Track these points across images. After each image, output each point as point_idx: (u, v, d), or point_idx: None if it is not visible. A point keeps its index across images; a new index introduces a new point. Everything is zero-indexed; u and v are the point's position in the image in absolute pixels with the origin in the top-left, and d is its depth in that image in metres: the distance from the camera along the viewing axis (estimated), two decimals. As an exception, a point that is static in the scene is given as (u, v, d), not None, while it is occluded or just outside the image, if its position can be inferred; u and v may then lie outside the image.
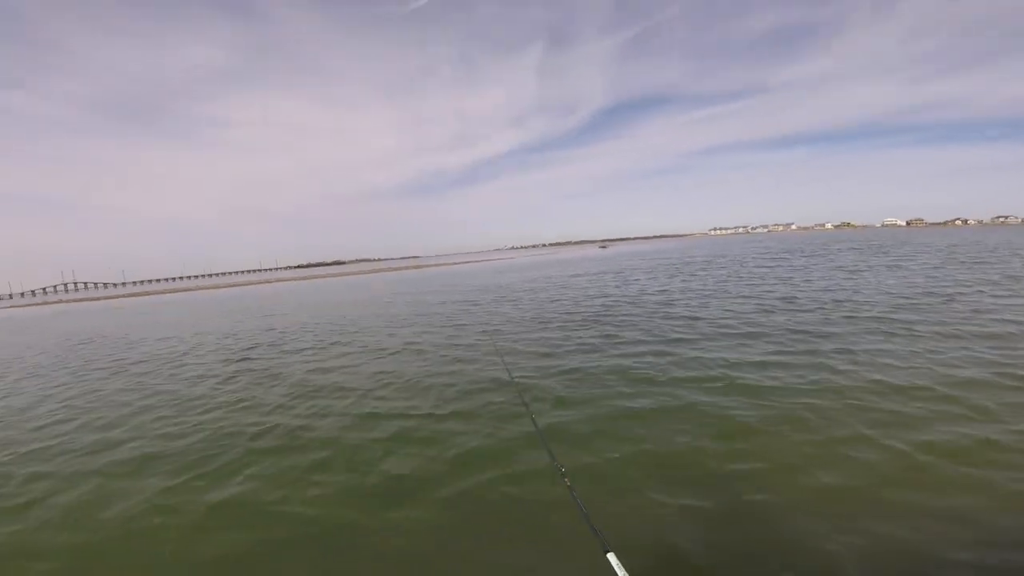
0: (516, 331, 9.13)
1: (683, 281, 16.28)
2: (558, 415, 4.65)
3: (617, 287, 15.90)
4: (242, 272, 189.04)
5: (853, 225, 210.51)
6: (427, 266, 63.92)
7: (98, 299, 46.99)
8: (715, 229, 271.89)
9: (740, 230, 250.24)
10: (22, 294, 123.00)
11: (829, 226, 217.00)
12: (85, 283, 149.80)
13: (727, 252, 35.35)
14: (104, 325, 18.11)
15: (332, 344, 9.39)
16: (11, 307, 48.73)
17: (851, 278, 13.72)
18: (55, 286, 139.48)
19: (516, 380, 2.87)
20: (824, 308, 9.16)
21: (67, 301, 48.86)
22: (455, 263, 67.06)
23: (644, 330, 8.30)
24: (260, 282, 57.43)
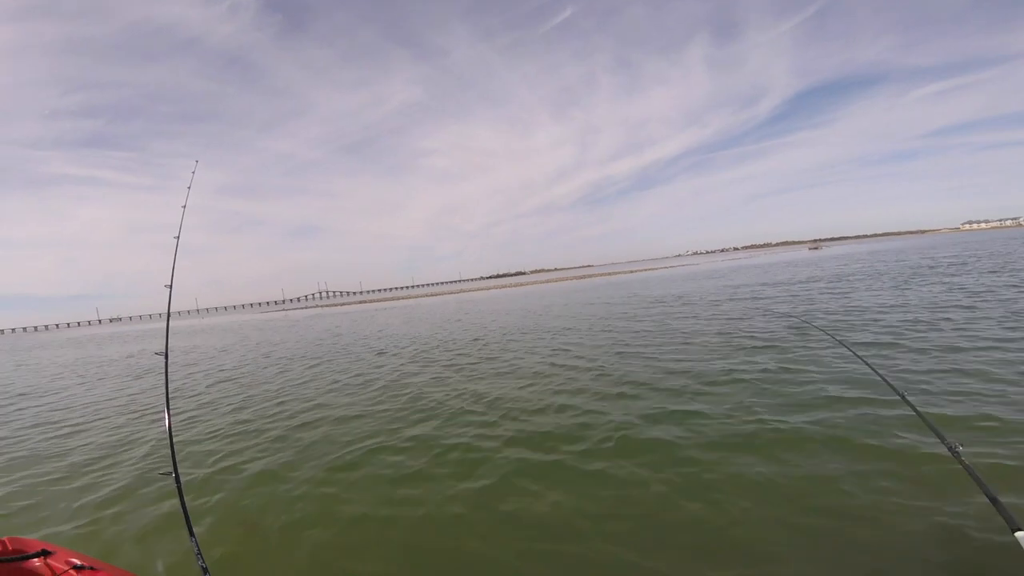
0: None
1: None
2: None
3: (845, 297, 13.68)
4: (443, 283, 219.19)
5: None
6: (599, 275, 64.01)
7: (344, 304, 60.20)
8: (969, 223, 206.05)
9: (1008, 222, 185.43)
10: (290, 300, 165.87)
11: None
12: (333, 292, 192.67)
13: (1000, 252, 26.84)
14: (355, 324, 23.29)
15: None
16: (285, 310, 65.84)
17: None
18: (313, 294, 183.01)
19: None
20: None
21: (321, 306, 63.94)
22: (631, 271, 65.58)
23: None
24: (471, 290, 65.46)
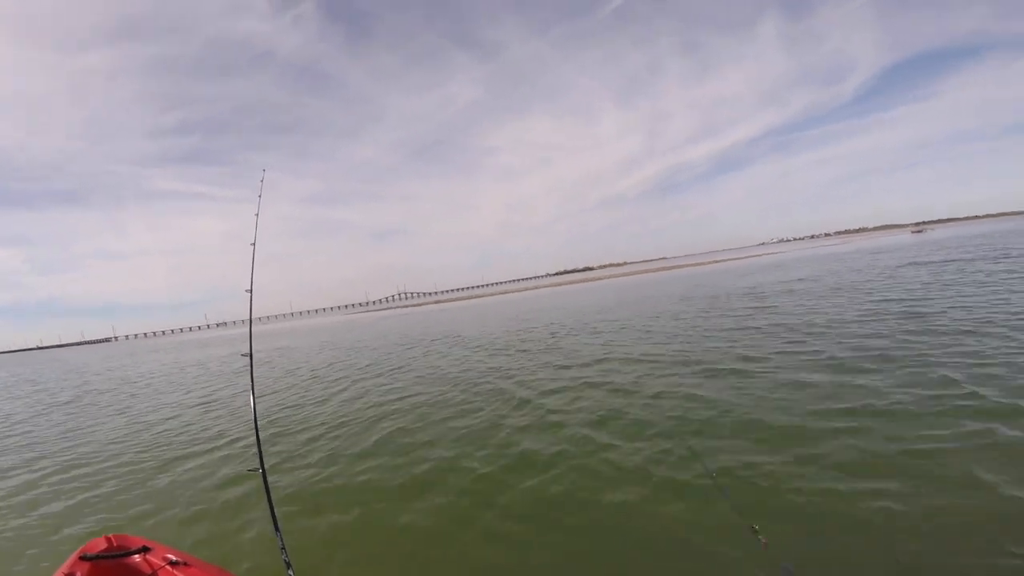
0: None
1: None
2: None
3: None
4: (512, 281, 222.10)
5: None
6: (676, 267, 61.18)
7: (419, 304, 62.78)
8: None
9: None
10: (373, 302, 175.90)
11: None
12: (411, 293, 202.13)
13: None
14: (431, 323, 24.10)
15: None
16: (365, 312, 69.81)
17: None
18: (392, 296, 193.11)
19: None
20: None
21: (397, 307, 67.18)
22: (711, 262, 62.01)
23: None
24: (533, 288, 65.79)
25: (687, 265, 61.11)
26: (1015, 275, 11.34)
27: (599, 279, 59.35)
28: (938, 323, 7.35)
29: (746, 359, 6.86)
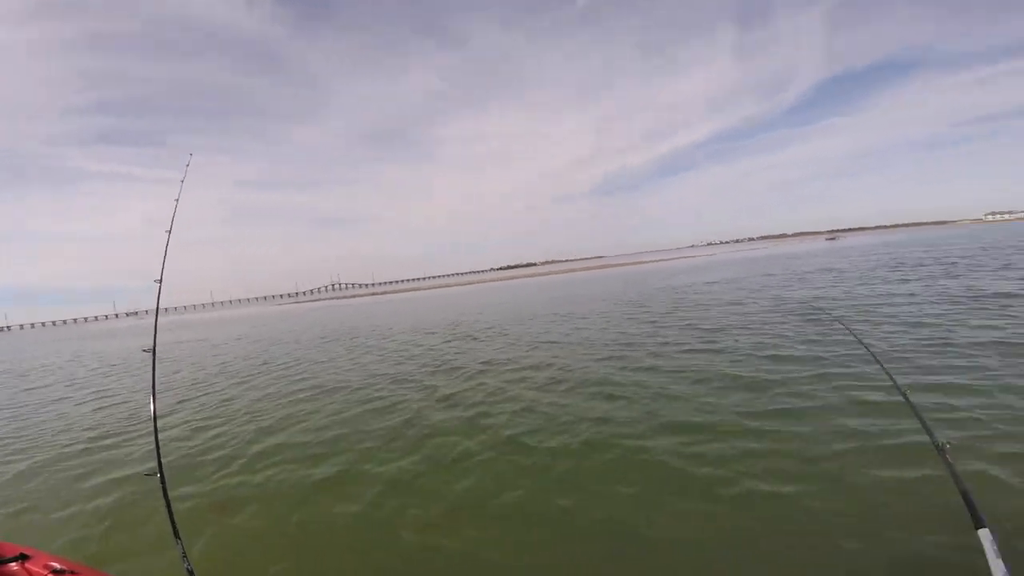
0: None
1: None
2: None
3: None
4: (456, 274, 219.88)
5: None
6: (608, 267, 63.53)
7: (355, 296, 60.78)
8: (992, 214, 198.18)
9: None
10: (304, 292, 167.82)
11: None
12: (346, 284, 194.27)
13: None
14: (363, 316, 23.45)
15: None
16: (295, 303, 66.76)
17: None
18: (325, 286, 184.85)
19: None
20: None
21: (329, 299, 64.69)
22: (646, 262, 64.91)
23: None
24: (478, 282, 65.56)
25: (625, 264, 63.57)
26: (909, 281, 12.93)
27: (539, 275, 60.42)
28: (826, 317, 8.31)
29: (655, 355, 7.43)
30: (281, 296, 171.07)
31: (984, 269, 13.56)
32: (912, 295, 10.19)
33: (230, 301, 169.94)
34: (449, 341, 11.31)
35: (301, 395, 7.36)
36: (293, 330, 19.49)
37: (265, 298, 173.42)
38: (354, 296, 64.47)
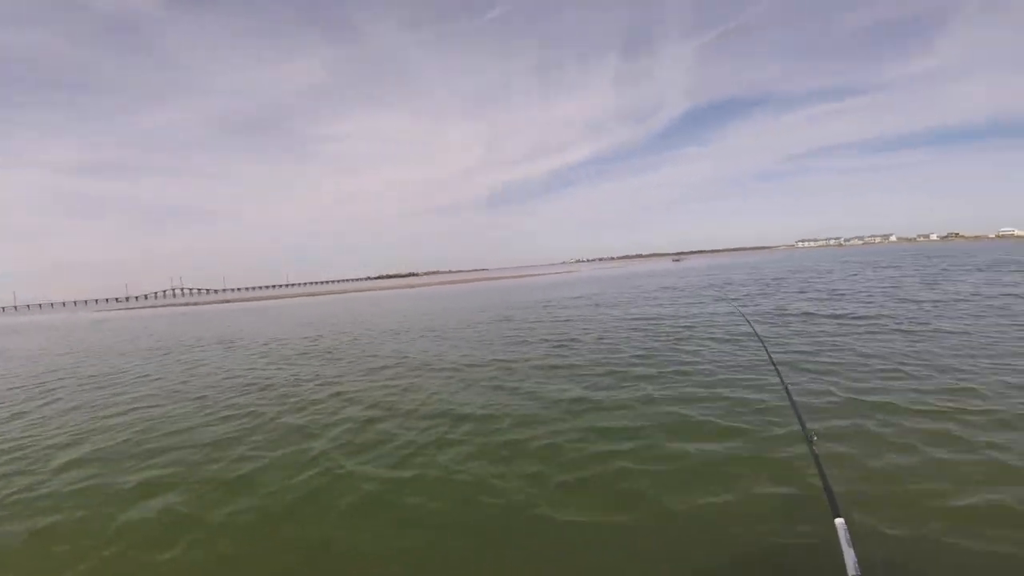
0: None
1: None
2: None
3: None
4: (334, 282, 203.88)
5: (963, 236, 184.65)
6: (488, 279, 64.72)
7: (201, 303, 52.69)
8: (802, 241, 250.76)
9: (832, 242, 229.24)
10: (136, 297, 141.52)
11: (934, 237, 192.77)
12: (191, 289, 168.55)
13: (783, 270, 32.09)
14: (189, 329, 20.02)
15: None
16: (125, 309, 56.00)
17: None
18: (164, 291, 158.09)
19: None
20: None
21: (168, 305, 55.37)
22: (518, 276, 67.27)
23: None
24: (353, 291, 61.21)
25: (506, 277, 65.11)
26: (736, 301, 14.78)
27: (414, 287, 58.92)
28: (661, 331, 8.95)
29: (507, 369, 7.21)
30: (107, 301, 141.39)
31: (788, 290, 16.33)
32: (731, 313, 11.64)
33: (39, 305, 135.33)
34: (301, 358, 9.94)
35: (108, 418, 5.61)
36: (136, 337, 15.72)
37: (86, 302, 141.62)
38: (204, 303, 55.94)
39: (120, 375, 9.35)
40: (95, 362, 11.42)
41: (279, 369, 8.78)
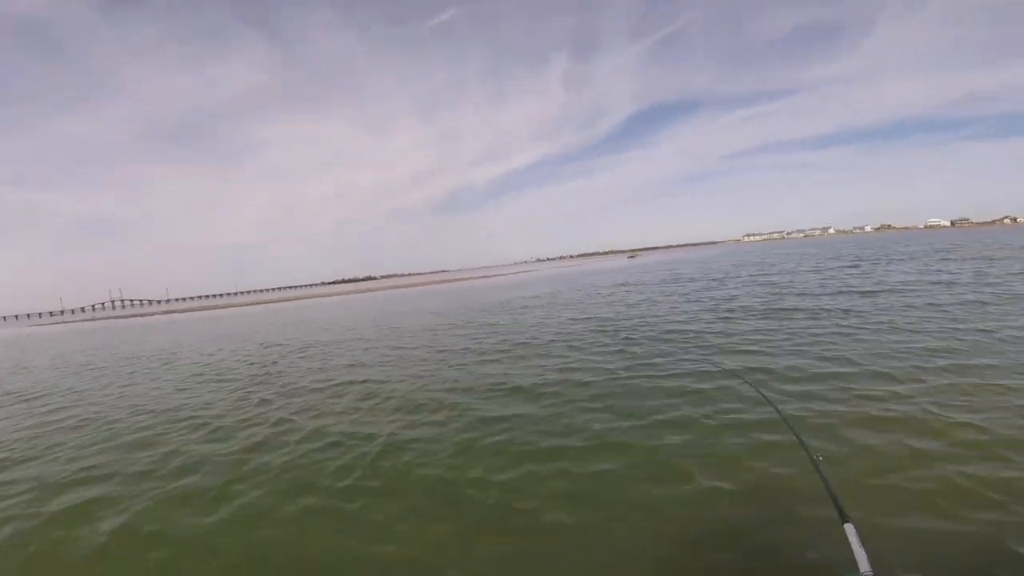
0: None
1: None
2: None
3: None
4: (282, 288, 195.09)
5: (895, 227, 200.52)
6: (451, 280, 64.11)
7: (143, 315, 49.20)
8: (748, 236, 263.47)
9: (775, 235, 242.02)
10: (72, 311, 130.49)
11: (869, 229, 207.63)
12: (131, 300, 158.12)
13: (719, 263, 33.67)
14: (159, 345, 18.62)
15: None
16: (59, 323, 51.64)
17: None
18: (103, 303, 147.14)
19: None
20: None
21: (108, 318, 51.46)
22: (480, 276, 67.04)
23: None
24: (313, 296, 58.86)
25: (466, 279, 64.60)
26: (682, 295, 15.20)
27: (370, 290, 57.53)
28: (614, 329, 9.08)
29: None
30: (40, 315, 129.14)
31: (736, 281, 17.05)
32: (686, 311, 11.97)
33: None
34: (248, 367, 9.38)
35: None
36: (65, 353, 14.29)
37: (16, 317, 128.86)
38: (145, 314, 52.22)
39: None
40: None
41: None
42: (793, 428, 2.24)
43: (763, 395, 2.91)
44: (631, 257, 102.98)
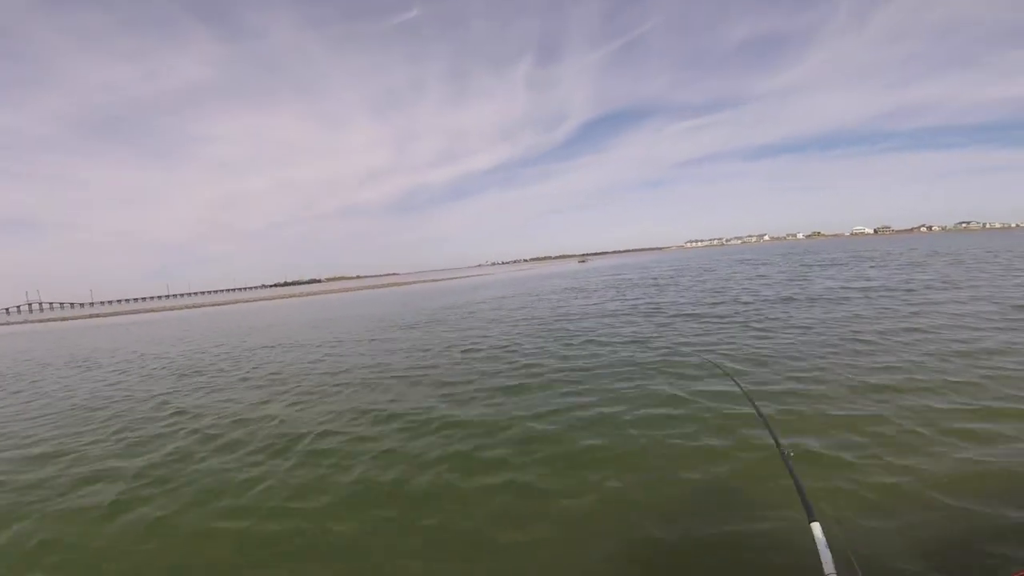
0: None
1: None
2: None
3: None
4: (217, 292, 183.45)
5: (823, 235, 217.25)
6: (400, 284, 63.17)
7: (63, 319, 45.01)
8: (690, 242, 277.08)
9: (715, 242, 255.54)
10: None
11: (800, 236, 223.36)
12: (51, 303, 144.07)
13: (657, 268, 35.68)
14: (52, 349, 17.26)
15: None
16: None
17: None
18: (18, 306, 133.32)
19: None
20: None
21: (19, 323, 46.73)
22: (431, 280, 66.49)
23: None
24: (239, 301, 56.03)
25: (418, 282, 63.84)
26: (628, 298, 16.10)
27: (312, 294, 55.76)
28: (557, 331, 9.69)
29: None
30: None
31: (674, 289, 18.27)
32: (629, 315, 12.82)
33: None
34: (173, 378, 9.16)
35: None
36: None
37: None
38: (65, 319, 47.74)
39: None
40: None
41: None
42: (767, 421, 2.27)
43: (722, 368, 3.28)
44: (582, 262, 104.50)
